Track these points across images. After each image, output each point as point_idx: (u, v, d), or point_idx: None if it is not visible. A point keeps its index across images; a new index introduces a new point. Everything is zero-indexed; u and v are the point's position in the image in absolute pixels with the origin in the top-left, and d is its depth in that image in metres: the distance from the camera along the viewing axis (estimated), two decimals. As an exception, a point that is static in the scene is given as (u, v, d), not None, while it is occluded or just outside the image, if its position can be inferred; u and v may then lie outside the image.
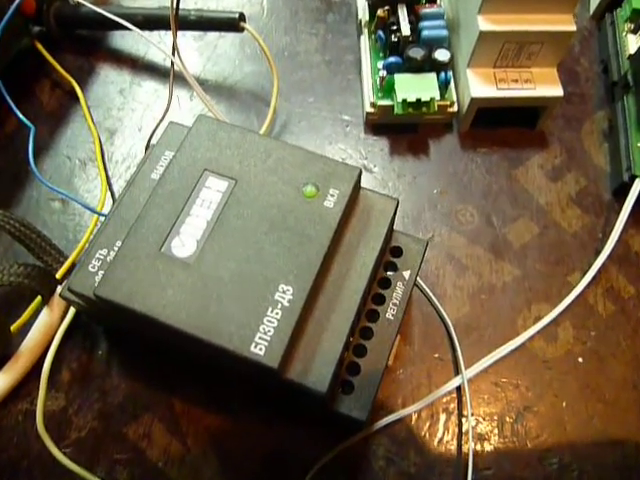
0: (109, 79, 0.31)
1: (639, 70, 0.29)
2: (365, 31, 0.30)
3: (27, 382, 0.24)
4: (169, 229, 0.19)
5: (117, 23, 0.27)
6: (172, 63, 0.25)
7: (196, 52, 0.32)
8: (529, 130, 0.30)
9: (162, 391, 0.24)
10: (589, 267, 0.26)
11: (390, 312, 0.21)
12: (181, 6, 0.25)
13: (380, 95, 0.28)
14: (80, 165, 0.28)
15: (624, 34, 0.31)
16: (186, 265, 0.18)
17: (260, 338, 0.17)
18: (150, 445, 0.23)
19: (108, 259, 0.19)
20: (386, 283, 0.21)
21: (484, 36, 0.26)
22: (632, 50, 0.30)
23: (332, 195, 0.19)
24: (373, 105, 0.28)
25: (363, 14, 0.30)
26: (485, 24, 0.26)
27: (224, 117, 0.27)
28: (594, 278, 0.26)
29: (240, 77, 0.31)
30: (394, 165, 0.29)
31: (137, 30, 0.27)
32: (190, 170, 0.19)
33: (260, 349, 0.17)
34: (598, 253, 0.27)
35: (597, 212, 0.28)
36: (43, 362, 0.23)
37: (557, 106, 0.29)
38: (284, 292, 0.18)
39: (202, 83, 0.31)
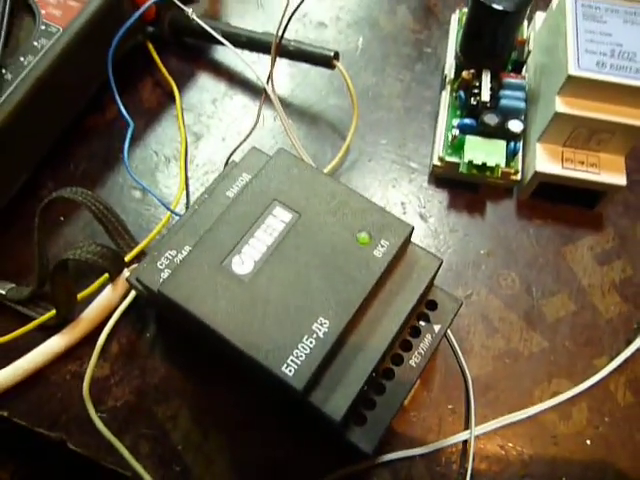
0: (205, 87, 0.34)
1: None
2: (448, 88, 0.31)
3: (80, 347, 0.27)
4: (233, 246, 0.21)
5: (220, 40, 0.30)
6: (265, 90, 0.28)
7: (288, 76, 0.34)
8: (587, 210, 0.31)
9: (195, 381, 0.26)
10: (617, 354, 0.27)
11: (414, 359, 0.22)
12: (287, 30, 0.28)
13: (449, 152, 0.30)
14: (165, 161, 0.31)
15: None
16: (241, 282, 0.20)
17: (292, 361, 0.19)
18: (174, 428, 0.25)
19: (176, 260, 0.22)
20: (416, 332, 0.23)
21: (559, 117, 0.27)
22: None
23: (382, 245, 0.21)
24: (441, 159, 0.30)
25: (449, 71, 0.32)
26: (562, 106, 0.27)
27: (302, 143, 0.30)
28: (620, 366, 0.27)
29: (323, 107, 0.33)
30: (449, 219, 0.30)
31: (235, 50, 0.30)
32: (261, 197, 0.22)
33: (290, 370, 0.19)
34: (629, 343, 0.27)
35: (637, 304, 0.29)
36: (98, 333, 0.26)
37: (618, 193, 0.30)
38: (321, 324, 0.20)
39: (288, 106, 0.33)
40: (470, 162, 0.29)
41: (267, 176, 0.22)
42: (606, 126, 0.27)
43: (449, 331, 0.27)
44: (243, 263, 0.21)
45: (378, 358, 0.21)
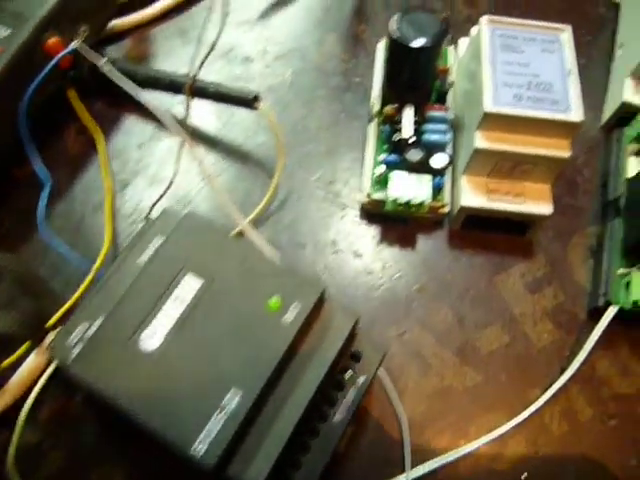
0: (131, 131, 0.33)
1: (632, 196, 0.30)
2: (374, 120, 0.31)
3: (8, 417, 0.26)
4: (142, 320, 0.21)
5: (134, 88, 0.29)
6: (182, 142, 0.27)
7: (214, 115, 0.33)
8: (519, 237, 0.31)
9: (129, 444, 0.26)
10: (551, 384, 0.27)
11: (339, 415, 0.22)
12: (212, 66, 0.27)
13: (376, 188, 0.30)
14: (91, 212, 0.31)
15: (627, 154, 0.32)
16: (150, 358, 0.20)
17: (202, 440, 0.19)
18: (109, 492, 0.25)
19: (87, 334, 0.21)
20: (340, 385, 0.23)
21: (479, 152, 0.27)
22: (630, 173, 0.31)
23: (293, 310, 0.20)
24: (368, 196, 0.30)
25: (375, 103, 0.32)
26: (481, 141, 0.27)
27: (231, 184, 0.29)
28: (554, 396, 0.27)
29: (252, 147, 0.33)
30: (382, 254, 0.30)
31: (142, 94, 0.29)
32: (171, 264, 0.21)
33: (199, 450, 0.19)
34: (563, 371, 0.28)
35: (569, 330, 0.29)
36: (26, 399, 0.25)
37: (545, 221, 0.30)
38: (233, 397, 0.19)
39: (216, 145, 0.33)
40: (395, 200, 0.28)
41: (176, 242, 0.22)
42: (527, 159, 0.27)
43: (383, 372, 0.27)
44: (152, 337, 0.20)
45: (295, 422, 0.20)
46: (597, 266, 0.30)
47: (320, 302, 0.21)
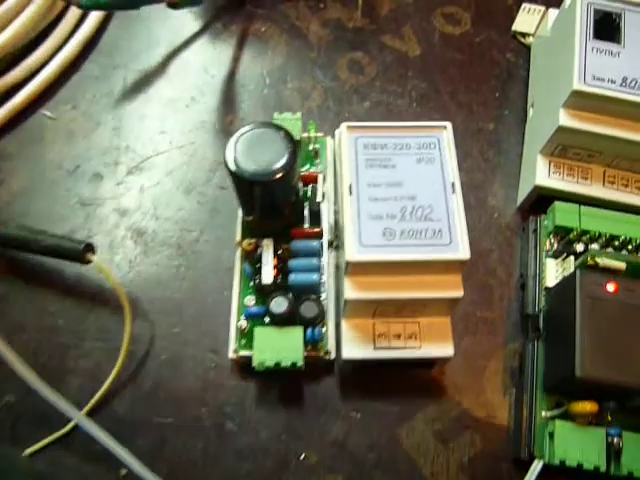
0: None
1: (552, 320, 0.25)
2: (238, 255, 0.26)
3: None
4: None
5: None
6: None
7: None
8: (426, 371, 0.26)
9: None
10: None
11: None
12: None
13: (242, 343, 0.24)
14: None
15: (544, 253, 0.27)
16: None
17: None
18: None
19: None
20: None
21: (349, 302, 0.22)
22: (550, 281, 0.26)
23: None
24: (235, 352, 0.24)
25: (237, 233, 0.26)
26: (352, 292, 0.22)
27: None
28: None
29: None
30: (259, 416, 0.25)
31: None
32: None
33: None
34: None
35: (492, 483, 0.24)
36: None
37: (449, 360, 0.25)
38: None
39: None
40: (261, 363, 0.23)
41: None
42: (412, 302, 0.22)
43: None
44: None
45: None
46: (518, 403, 0.25)
47: None
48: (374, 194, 0.22)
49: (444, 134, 0.23)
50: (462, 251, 0.21)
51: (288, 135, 0.22)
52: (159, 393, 0.25)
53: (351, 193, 0.22)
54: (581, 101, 0.25)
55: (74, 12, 0.33)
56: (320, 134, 0.28)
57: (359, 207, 0.22)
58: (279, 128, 0.23)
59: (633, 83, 0.25)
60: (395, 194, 0.22)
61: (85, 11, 0.33)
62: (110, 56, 0.33)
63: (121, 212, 0.29)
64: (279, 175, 0.22)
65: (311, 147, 0.28)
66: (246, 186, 0.22)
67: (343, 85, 0.32)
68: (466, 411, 0.25)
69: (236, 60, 0.33)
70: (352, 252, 0.21)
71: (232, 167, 0.22)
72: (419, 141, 0.23)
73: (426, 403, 0.25)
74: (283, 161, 0.22)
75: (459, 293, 0.22)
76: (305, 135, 0.28)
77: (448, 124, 0.23)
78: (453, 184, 0.22)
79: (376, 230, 0.21)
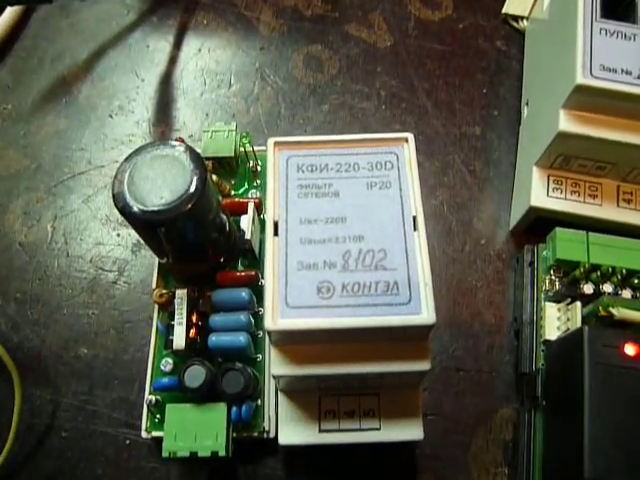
0: None
1: (556, 378, 0.19)
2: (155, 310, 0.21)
3: None
4: None
5: None
6: None
7: None
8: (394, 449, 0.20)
9: None
10: None
11: None
12: None
13: (154, 423, 0.19)
14: None
15: (543, 294, 0.21)
16: None
17: None
18: None
19: None
20: None
21: (278, 376, 0.17)
22: (550, 332, 0.20)
23: None
24: (147, 431, 0.19)
25: (155, 275, 0.21)
26: (278, 367, 0.16)
27: None
28: None
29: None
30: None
31: None
32: None
33: None
34: None
35: None
36: None
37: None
38: None
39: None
40: (173, 453, 0.18)
41: None
42: (369, 380, 0.17)
43: None
44: None
45: None
46: (513, 488, 0.19)
47: None
48: (308, 234, 0.17)
49: (404, 148, 0.18)
50: (425, 312, 0.15)
51: (194, 155, 0.17)
52: (59, 481, 0.20)
53: (276, 233, 0.16)
54: (587, 99, 0.19)
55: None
56: (262, 148, 0.23)
57: (287, 252, 0.16)
58: (182, 147, 0.17)
59: (654, 74, 0.19)
60: (336, 233, 0.17)
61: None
62: (25, 58, 0.28)
63: (25, 246, 0.24)
64: (184, 209, 0.16)
65: (249, 165, 0.22)
66: (144, 227, 0.17)
67: (298, 85, 0.27)
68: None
69: (172, 60, 0.28)
70: (274, 316, 0.15)
71: (119, 204, 0.16)
72: (371, 159, 0.18)
73: (396, 490, 0.20)
74: (189, 190, 0.17)
75: (424, 365, 0.16)
76: (242, 150, 0.22)
77: (410, 135, 0.18)
78: (414, 218, 0.17)
79: (309, 284, 0.16)
